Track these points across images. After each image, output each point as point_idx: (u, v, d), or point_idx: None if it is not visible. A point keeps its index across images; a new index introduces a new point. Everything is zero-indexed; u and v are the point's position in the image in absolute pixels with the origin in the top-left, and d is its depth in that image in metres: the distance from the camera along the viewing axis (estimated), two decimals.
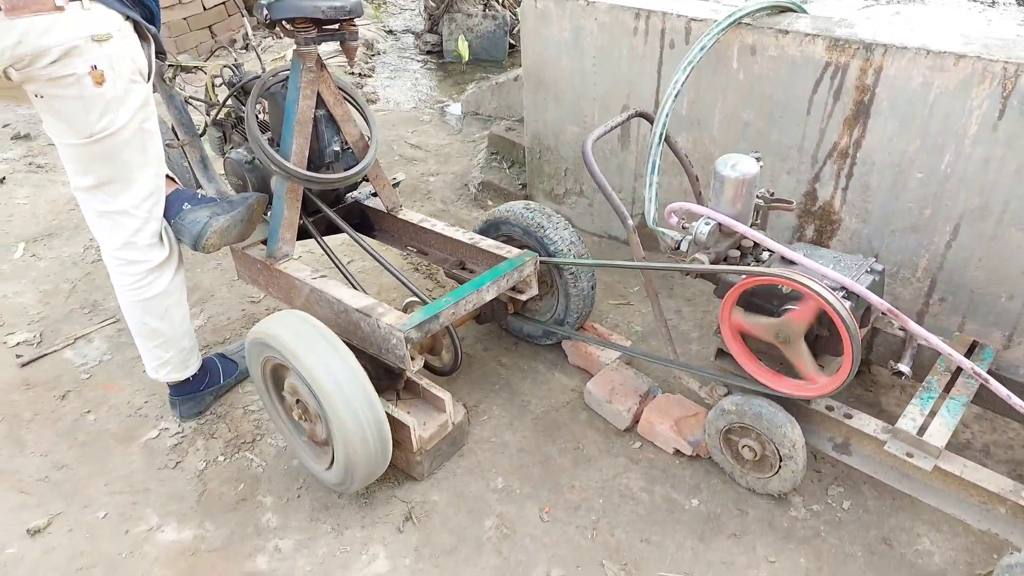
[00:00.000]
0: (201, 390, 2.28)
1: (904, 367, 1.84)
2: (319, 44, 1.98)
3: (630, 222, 1.94)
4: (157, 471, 2.11)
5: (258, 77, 2.32)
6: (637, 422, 2.15)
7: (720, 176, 1.79)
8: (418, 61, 5.06)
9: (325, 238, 2.36)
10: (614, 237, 3.03)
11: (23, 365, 2.52)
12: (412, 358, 1.87)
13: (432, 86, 4.64)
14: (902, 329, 1.95)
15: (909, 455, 1.68)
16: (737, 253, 1.89)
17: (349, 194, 2.53)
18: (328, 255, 2.30)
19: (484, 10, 4.96)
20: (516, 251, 2.17)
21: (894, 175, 2.13)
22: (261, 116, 2.36)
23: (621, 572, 1.78)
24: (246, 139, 2.45)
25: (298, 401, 1.89)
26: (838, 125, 2.16)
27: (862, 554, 1.80)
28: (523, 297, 2.19)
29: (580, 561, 1.81)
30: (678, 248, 1.94)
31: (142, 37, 1.80)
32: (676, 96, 2.08)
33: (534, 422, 2.23)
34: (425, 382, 2.05)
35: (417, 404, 2.06)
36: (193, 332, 2.21)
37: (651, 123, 2.12)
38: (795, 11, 2.25)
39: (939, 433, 1.68)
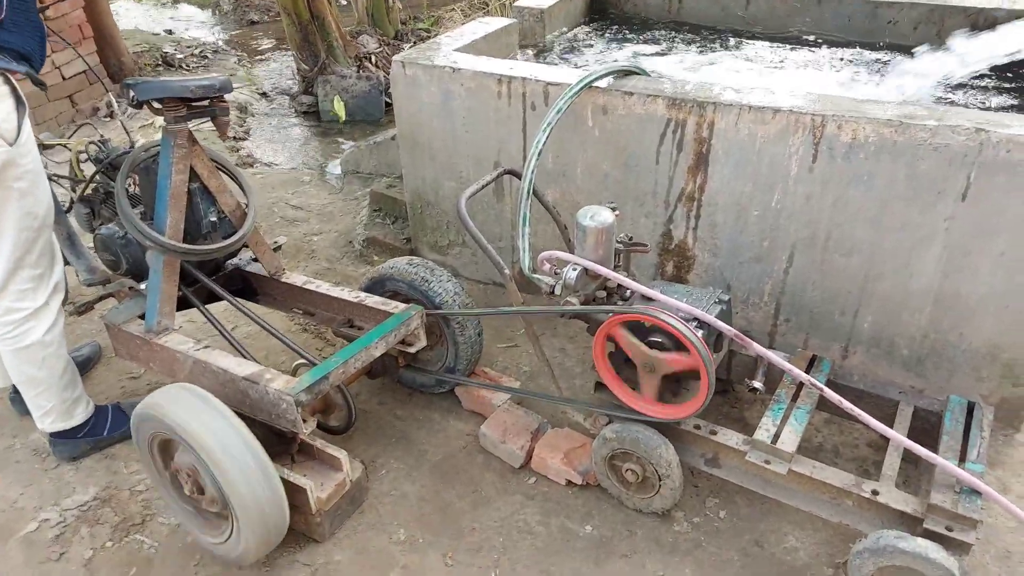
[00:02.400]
0: (79, 436, 2.29)
1: (757, 383, 2.06)
2: (189, 121, 2.02)
3: (506, 271, 2.08)
4: (39, 565, 2.01)
5: (127, 153, 2.32)
6: (531, 458, 2.26)
7: (582, 226, 1.97)
8: (294, 122, 5.10)
9: (207, 306, 2.35)
10: (499, 284, 3.17)
11: None
12: (304, 420, 1.90)
13: (310, 147, 4.68)
14: None
15: (767, 462, 1.88)
16: (604, 294, 2.07)
17: (229, 261, 2.54)
18: (211, 323, 2.29)
19: (358, 71, 5.08)
20: (402, 306, 2.26)
21: (735, 213, 2.39)
22: (131, 189, 2.35)
23: None
24: (116, 215, 2.42)
25: (188, 475, 1.87)
26: (683, 172, 2.42)
27: (738, 558, 1.98)
28: (412, 349, 2.27)
29: None
30: (553, 292, 2.10)
31: (19, 102, 1.85)
32: (539, 154, 2.25)
33: (432, 470, 2.29)
34: (320, 443, 2.07)
35: (313, 465, 2.08)
36: (79, 383, 2.25)
37: (519, 179, 2.29)
38: (637, 74, 2.50)
39: (790, 440, 1.89)
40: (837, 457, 2.30)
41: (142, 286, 2.26)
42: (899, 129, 2.00)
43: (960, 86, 2.83)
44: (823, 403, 2.07)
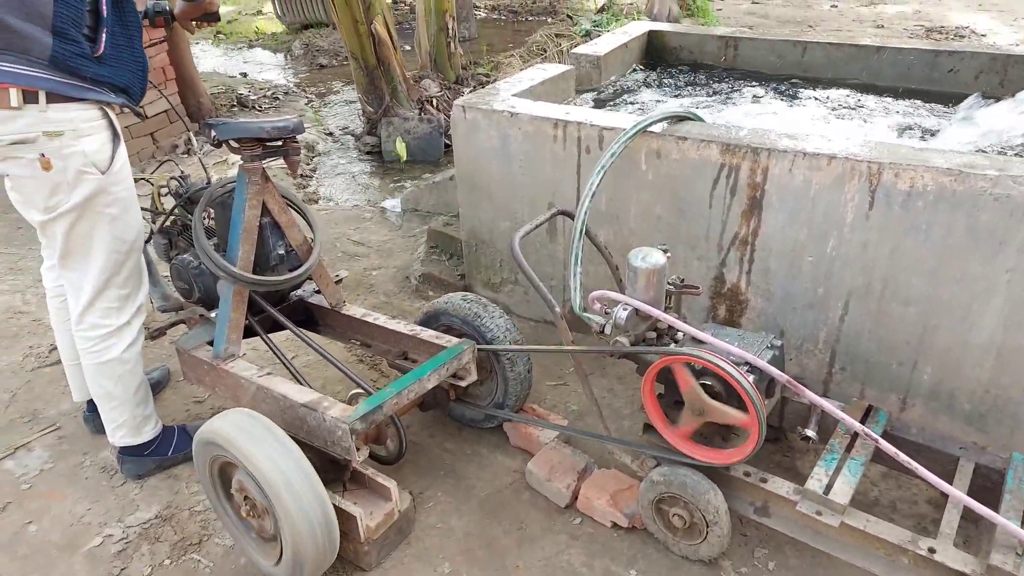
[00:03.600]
0: (145, 455, 2.41)
1: (810, 432, 2.03)
2: (263, 160, 2.15)
3: (557, 309, 2.12)
4: None
5: (205, 188, 2.47)
6: (576, 498, 2.26)
7: (633, 267, 2.00)
8: (358, 161, 5.30)
9: (270, 335, 2.46)
10: (549, 322, 3.21)
11: None
12: (357, 449, 1.96)
13: (372, 185, 4.85)
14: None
15: (818, 513, 1.85)
16: (654, 335, 2.09)
17: (293, 293, 2.66)
18: (273, 352, 2.40)
19: (420, 114, 5.27)
20: (455, 340, 2.32)
21: (789, 259, 2.39)
22: (207, 222, 2.50)
23: None
24: (191, 245, 2.57)
25: (246, 498, 1.95)
26: (737, 217, 2.43)
27: None
28: (463, 383, 2.32)
29: None
30: (603, 331, 2.13)
31: (114, 134, 2.03)
32: (592, 196, 2.31)
33: (479, 505, 2.32)
34: (371, 472, 2.13)
35: (363, 494, 2.13)
36: (151, 402, 2.39)
37: (572, 219, 2.34)
38: (692, 119, 2.55)
39: (843, 491, 1.86)
40: (894, 512, 2.23)
41: (212, 314, 2.38)
42: (959, 178, 1.98)
43: None
44: (879, 455, 2.03)
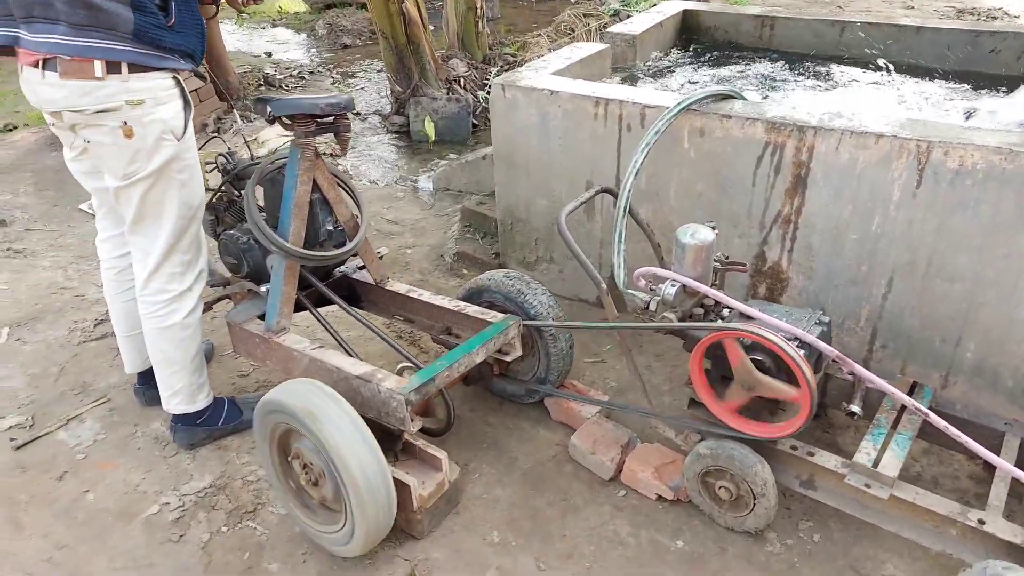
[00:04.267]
0: (196, 424, 2.48)
1: (855, 407, 2.05)
2: (316, 136, 2.18)
3: (603, 286, 2.15)
4: (160, 545, 2.17)
5: (253, 164, 2.51)
6: (620, 471, 2.30)
7: (681, 243, 2.02)
8: (386, 141, 5.32)
9: (317, 309, 2.51)
10: (583, 300, 3.24)
11: (17, 448, 2.55)
12: (411, 419, 2.01)
13: (402, 164, 4.88)
14: (851, 374, 2.16)
15: (867, 486, 1.88)
16: (701, 311, 2.11)
17: (337, 269, 2.70)
18: (323, 325, 2.44)
19: (448, 94, 5.28)
20: (500, 316, 2.35)
21: (833, 237, 2.40)
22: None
23: None
24: (238, 221, 2.62)
25: (305, 467, 2.00)
26: (780, 195, 2.44)
27: None
28: (508, 358, 2.36)
29: None
30: (647, 308, 2.16)
31: (185, 101, 2.10)
32: (636, 174, 2.33)
33: (523, 477, 2.36)
34: (421, 442, 2.18)
35: (414, 464, 2.18)
36: (205, 370, 2.45)
37: (615, 198, 2.37)
38: (735, 98, 2.55)
39: (891, 464, 1.88)
40: (936, 487, 2.25)
41: (262, 288, 2.42)
42: (1009, 157, 1.98)
43: None
44: (924, 431, 2.05)
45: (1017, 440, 1.98)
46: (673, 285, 2.03)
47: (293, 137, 2.18)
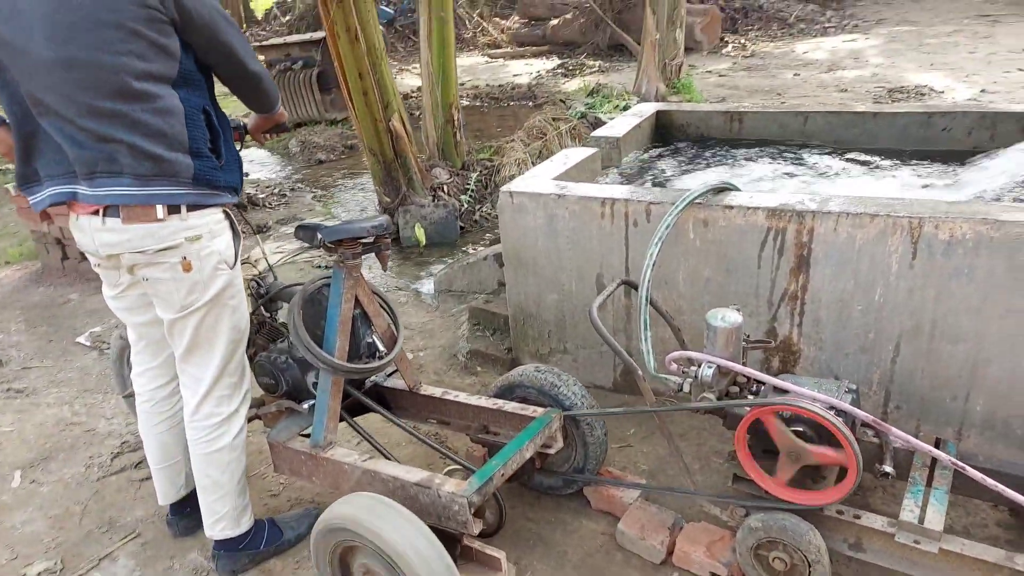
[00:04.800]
0: (239, 549, 2.44)
1: (888, 468, 2.17)
2: (361, 257, 2.31)
3: (640, 372, 2.27)
4: None
5: (287, 288, 2.62)
6: (671, 553, 2.35)
7: (713, 327, 2.17)
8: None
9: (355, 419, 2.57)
10: (599, 386, 3.35)
11: None
12: (473, 522, 2.05)
13: (399, 270, 5.02)
14: (876, 437, 2.29)
15: (916, 542, 1.97)
16: (736, 389, 2.24)
17: (368, 379, 2.77)
18: (364, 437, 2.50)
19: (434, 200, 5.52)
20: (541, 410, 2.44)
21: (839, 309, 2.58)
22: (272, 317, 2.69)
23: None
24: (270, 342, 2.69)
25: None
26: (786, 274, 2.64)
27: None
28: (552, 451, 2.43)
29: None
30: (679, 390, 2.28)
31: (234, 232, 2.21)
32: (654, 265, 2.50)
33: (575, 570, 2.39)
34: (478, 544, 2.21)
35: (472, 568, 2.20)
36: (247, 493, 2.43)
37: (635, 289, 2.53)
38: (731, 189, 2.79)
39: (935, 519, 1.99)
40: (970, 538, 2.34)
41: (304, 406, 2.48)
42: (994, 226, 2.22)
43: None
44: (956, 485, 2.16)
45: None
46: (709, 366, 2.16)
47: (338, 259, 2.30)
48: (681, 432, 3.02)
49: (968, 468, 1.93)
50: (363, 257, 2.31)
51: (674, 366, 2.31)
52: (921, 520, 1.99)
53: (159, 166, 1.96)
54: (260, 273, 2.71)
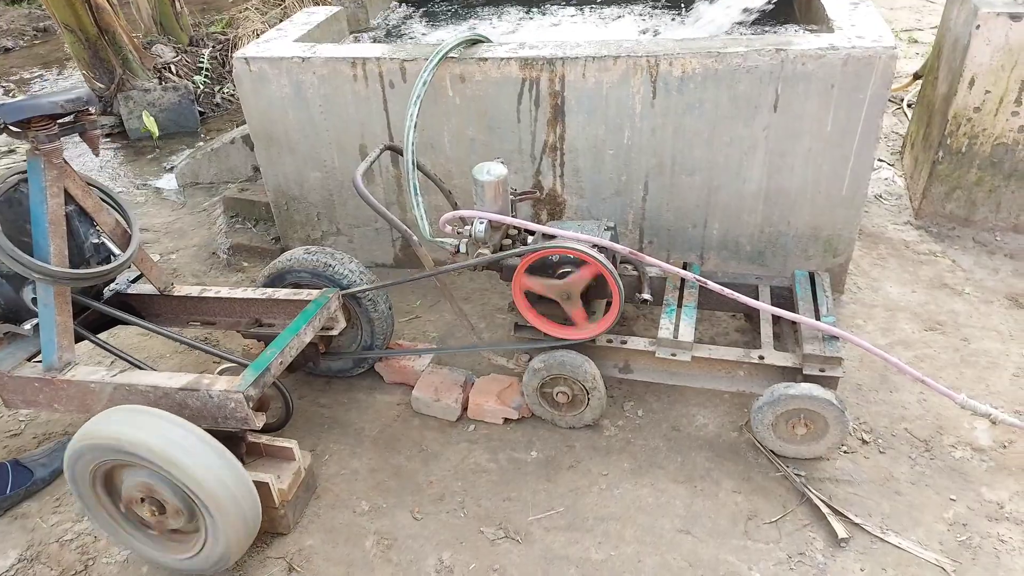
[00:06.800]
0: None
1: (646, 295, 2.37)
2: (59, 139, 1.91)
3: (415, 238, 2.21)
4: None
5: None
6: (466, 409, 2.42)
7: (480, 182, 2.14)
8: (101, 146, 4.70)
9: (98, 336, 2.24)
10: (380, 264, 3.25)
11: None
12: (254, 417, 1.92)
13: (132, 167, 4.37)
14: (634, 270, 2.48)
15: (674, 354, 2.20)
16: (508, 241, 2.27)
17: (108, 287, 2.41)
18: (110, 351, 2.19)
19: (161, 83, 4.79)
20: (316, 292, 2.30)
21: (594, 156, 2.69)
22: None
23: (500, 531, 2.04)
24: None
25: (142, 499, 1.82)
26: (544, 126, 2.67)
27: (663, 443, 2.29)
28: (334, 332, 2.32)
29: (462, 537, 2.03)
30: (458, 251, 2.26)
31: None
32: (415, 127, 2.38)
33: (374, 443, 2.38)
34: (266, 438, 2.09)
35: (263, 462, 2.09)
36: None
37: (400, 154, 2.41)
38: (483, 41, 2.70)
39: (687, 332, 2.23)
40: (715, 344, 2.69)
41: (25, 327, 2.09)
42: (718, 58, 2.39)
43: (739, 23, 3.35)
44: (702, 302, 2.43)
45: (767, 288, 2.44)
46: (481, 222, 2.15)
47: (30, 145, 1.88)
48: (464, 296, 3.06)
49: (710, 283, 2.16)
50: (62, 140, 1.91)
51: (448, 228, 2.28)
52: (675, 335, 2.22)
53: None
54: None
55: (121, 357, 2.20)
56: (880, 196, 3.51)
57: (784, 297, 2.44)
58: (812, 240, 2.70)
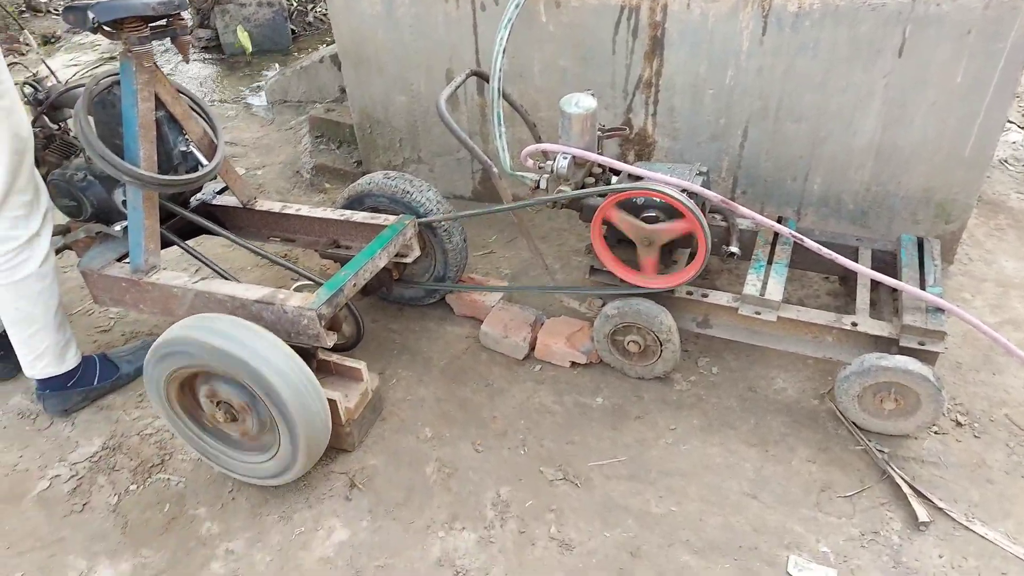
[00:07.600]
0: (68, 387, 2.24)
1: (734, 248, 2.24)
2: (151, 43, 1.91)
3: (495, 169, 2.14)
4: (64, 519, 1.97)
5: (71, 89, 2.17)
6: (533, 348, 2.38)
7: (568, 114, 2.04)
8: (196, 58, 4.79)
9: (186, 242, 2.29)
10: (458, 196, 3.21)
11: None
12: (326, 334, 1.93)
13: (225, 81, 4.43)
14: (723, 220, 2.34)
15: (758, 313, 2.08)
16: (592, 180, 2.17)
17: (194, 197, 2.46)
18: (197, 258, 2.25)
19: None
20: (393, 218, 2.27)
21: (692, 95, 2.52)
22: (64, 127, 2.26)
23: (559, 472, 2.01)
24: (64, 158, 2.29)
25: (219, 404, 1.88)
26: (640, 60, 2.51)
27: (737, 404, 2.20)
28: (408, 260, 2.30)
29: (521, 475, 2.02)
30: (537, 187, 2.18)
31: None
32: (504, 52, 2.27)
33: (441, 373, 2.38)
34: (336, 357, 2.11)
35: (333, 380, 2.12)
36: (68, 325, 2.21)
37: (487, 81, 2.31)
38: None
39: (775, 291, 2.09)
40: (803, 307, 2.54)
41: (116, 228, 2.16)
42: None
43: None
44: (795, 261, 2.28)
45: (869, 251, 2.26)
46: (565, 157, 2.06)
47: (123, 47, 1.89)
48: (542, 235, 2.98)
49: (807, 240, 2.01)
50: (154, 44, 1.91)
51: (530, 162, 2.19)
52: (762, 293, 2.09)
53: None
54: (35, 75, 2.21)
55: (207, 264, 2.24)
56: (1006, 161, 3.20)
57: (886, 262, 2.26)
58: (923, 203, 2.48)
